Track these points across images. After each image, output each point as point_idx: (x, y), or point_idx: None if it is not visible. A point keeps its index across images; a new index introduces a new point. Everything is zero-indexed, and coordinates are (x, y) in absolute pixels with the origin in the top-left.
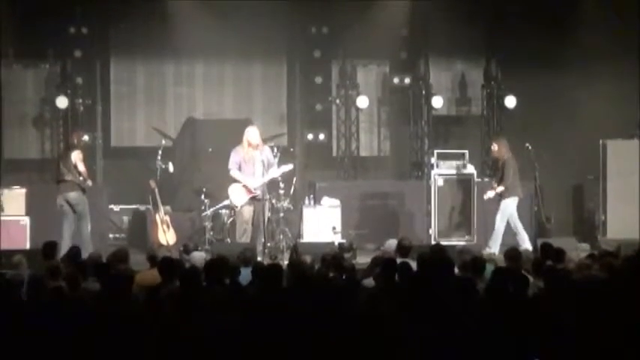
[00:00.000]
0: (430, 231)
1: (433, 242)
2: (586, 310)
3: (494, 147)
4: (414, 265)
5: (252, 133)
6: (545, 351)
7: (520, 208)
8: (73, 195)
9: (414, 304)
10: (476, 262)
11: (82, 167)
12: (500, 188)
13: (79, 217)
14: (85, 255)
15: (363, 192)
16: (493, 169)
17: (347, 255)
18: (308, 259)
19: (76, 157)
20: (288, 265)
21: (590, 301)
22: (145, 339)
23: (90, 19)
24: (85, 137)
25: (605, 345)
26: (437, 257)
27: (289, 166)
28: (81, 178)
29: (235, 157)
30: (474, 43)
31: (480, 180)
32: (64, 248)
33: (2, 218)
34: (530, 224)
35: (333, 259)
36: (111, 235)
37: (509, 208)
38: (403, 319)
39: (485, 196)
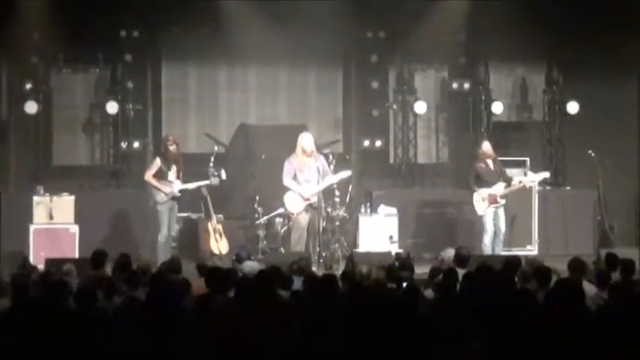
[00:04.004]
0: None
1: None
2: None
3: (490, 147)
4: None
5: (306, 140)
6: None
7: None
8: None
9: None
10: (542, 273)
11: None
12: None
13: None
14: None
15: (420, 200)
16: (493, 170)
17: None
18: (364, 269)
19: (152, 163)
20: (342, 275)
21: None
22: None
23: (141, 23)
24: (170, 144)
25: None
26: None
27: (347, 173)
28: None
29: (288, 166)
30: (535, 47)
31: (541, 188)
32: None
33: (51, 226)
34: (593, 233)
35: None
36: None
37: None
38: (464, 331)
39: (528, 182)
